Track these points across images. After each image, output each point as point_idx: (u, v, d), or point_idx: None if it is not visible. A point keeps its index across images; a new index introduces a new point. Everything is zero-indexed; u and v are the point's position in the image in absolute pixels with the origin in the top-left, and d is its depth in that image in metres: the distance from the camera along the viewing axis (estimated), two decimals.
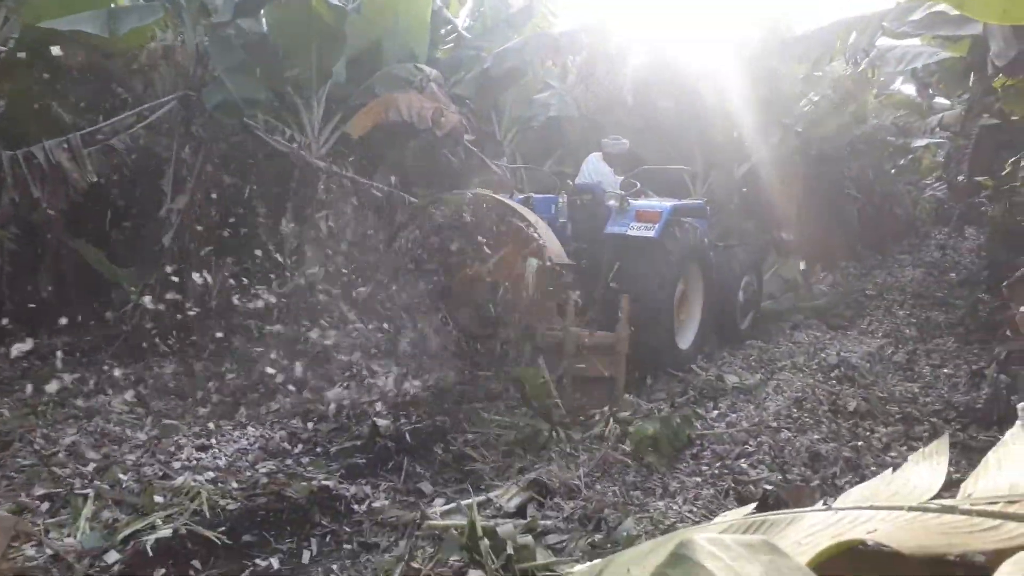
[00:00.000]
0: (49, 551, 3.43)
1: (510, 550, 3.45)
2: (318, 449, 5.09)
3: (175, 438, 5.01)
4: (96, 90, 7.62)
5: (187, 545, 3.61)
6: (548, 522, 3.97)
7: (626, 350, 6.10)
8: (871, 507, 1.08)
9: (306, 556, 3.75)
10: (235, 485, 4.31)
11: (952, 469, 1.21)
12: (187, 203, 6.81)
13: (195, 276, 6.26)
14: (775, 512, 1.16)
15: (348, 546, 3.85)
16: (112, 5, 7.48)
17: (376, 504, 4.24)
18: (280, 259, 6.92)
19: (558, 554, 3.65)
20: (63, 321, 6.22)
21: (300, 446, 5.12)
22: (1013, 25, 5.98)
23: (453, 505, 4.14)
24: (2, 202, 6.15)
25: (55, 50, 6.68)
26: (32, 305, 6.40)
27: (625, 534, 3.78)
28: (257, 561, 3.64)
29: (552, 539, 3.81)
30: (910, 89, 13.76)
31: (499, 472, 4.80)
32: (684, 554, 0.81)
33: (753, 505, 1.50)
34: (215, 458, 4.77)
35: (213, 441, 5.03)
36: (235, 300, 6.42)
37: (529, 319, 6.11)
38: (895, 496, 1.16)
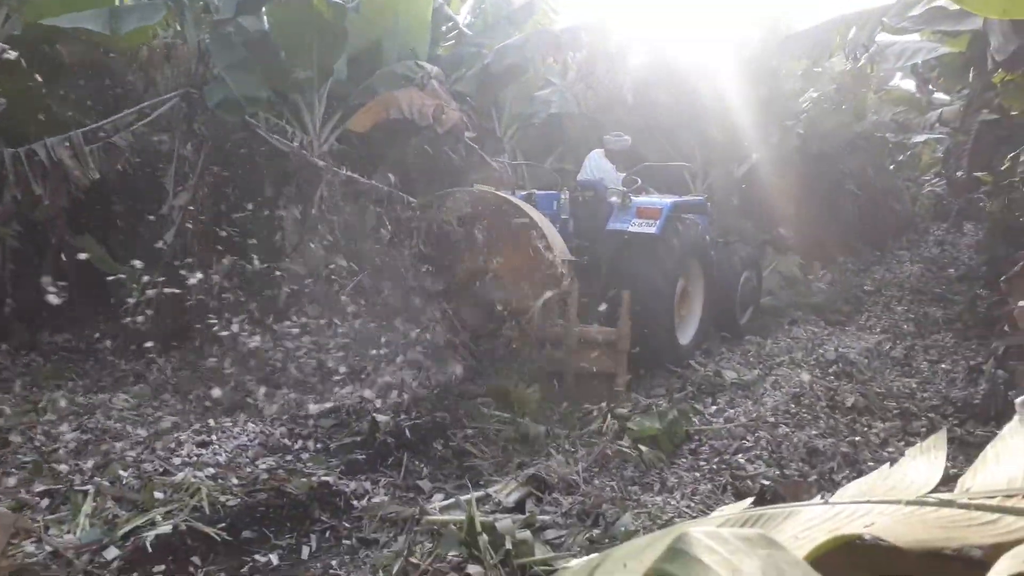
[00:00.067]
0: (49, 547, 3.43)
1: (509, 545, 3.46)
2: (318, 445, 5.09)
3: (175, 434, 5.01)
4: (98, 87, 7.62)
5: (187, 541, 3.62)
6: (546, 517, 3.98)
7: (627, 346, 6.11)
8: (868, 501, 1.08)
9: (305, 552, 3.76)
10: (235, 481, 4.31)
11: (949, 464, 1.21)
12: (188, 200, 6.80)
13: (196, 273, 6.26)
14: (772, 506, 1.16)
15: (347, 542, 3.86)
16: (116, 2, 7.49)
17: (375, 500, 4.25)
18: (281, 256, 6.92)
19: (556, 549, 3.66)
20: (64, 318, 6.21)
21: (300, 442, 5.12)
22: (1013, 20, 5.97)
23: (452, 500, 4.15)
24: (4, 200, 6.15)
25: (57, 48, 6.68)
26: (34, 302, 6.39)
27: (623, 529, 3.79)
28: (257, 557, 3.65)
29: (550, 534, 3.82)
30: (909, 85, 13.73)
31: (498, 467, 4.81)
32: (681, 548, 0.81)
33: (750, 500, 1.50)
34: (215, 454, 4.77)
35: (213, 437, 5.03)
36: (236, 297, 6.41)
37: (531, 316, 6.11)
38: (893, 490, 1.16)
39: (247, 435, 5.12)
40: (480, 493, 4.22)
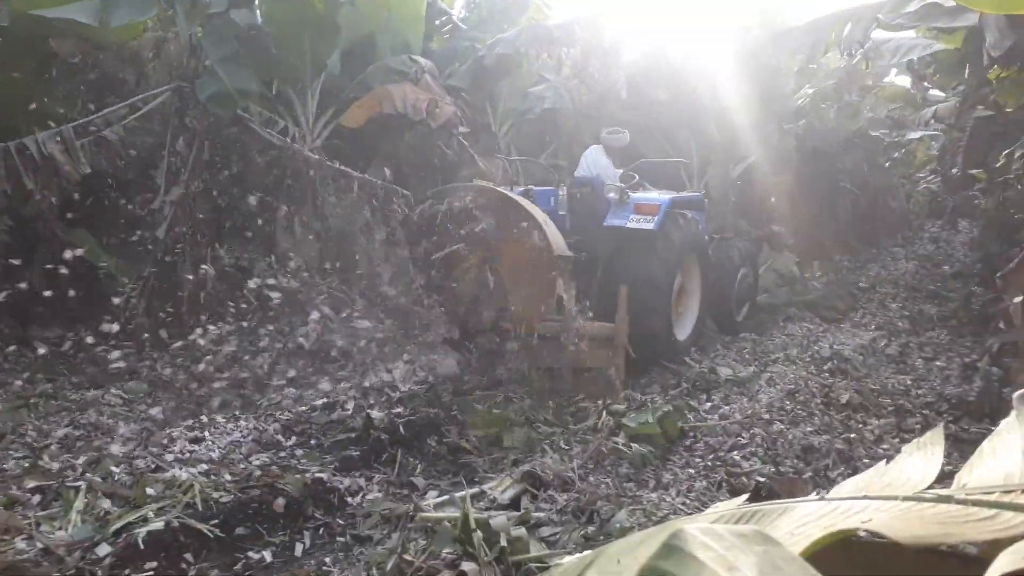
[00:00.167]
0: (40, 544, 3.41)
1: (503, 542, 3.45)
2: (312, 441, 5.08)
3: (168, 430, 4.99)
4: (89, 81, 7.57)
5: (179, 538, 3.60)
6: (541, 514, 3.97)
7: (625, 342, 6.10)
8: (865, 497, 1.07)
9: (299, 549, 3.75)
10: (228, 477, 4.29)
11: (944, 461, 1.20)
12: (181, 195, 6.77)
13: (189, 267, 6.23)
14: (768, 503, 1.15)
15: (341, 539, 3.85)
16: None
17: (369, 496, 4.24)
18: (274, 250, 6.89)
19: (551, 546, 3.65)
20: (56, 313, 6.18)
21: (294, 438, 5.10)
22: (1009, 16, 5.97)
23: (446, 497, 4.13)
24: None
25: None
26: (25, 297, 6.36)
27: (618, 526, 3.78)
28: (250, 554, 3.64)
29: (545, 531, 3.81)
30: (905, 81, 13.76)
31: (493, 464, 4.80)
32: (676, 545, 0.80)
33: (745, 496, 1.49)
34: (208, 450, 4.75)
35: (206, 433, 5.01)
36: (228, 291, 6.39)
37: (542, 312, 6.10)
38: (889, 487, 1.15)
39: (240, 431, 5.10)
40: (475, 490, 4.21)
